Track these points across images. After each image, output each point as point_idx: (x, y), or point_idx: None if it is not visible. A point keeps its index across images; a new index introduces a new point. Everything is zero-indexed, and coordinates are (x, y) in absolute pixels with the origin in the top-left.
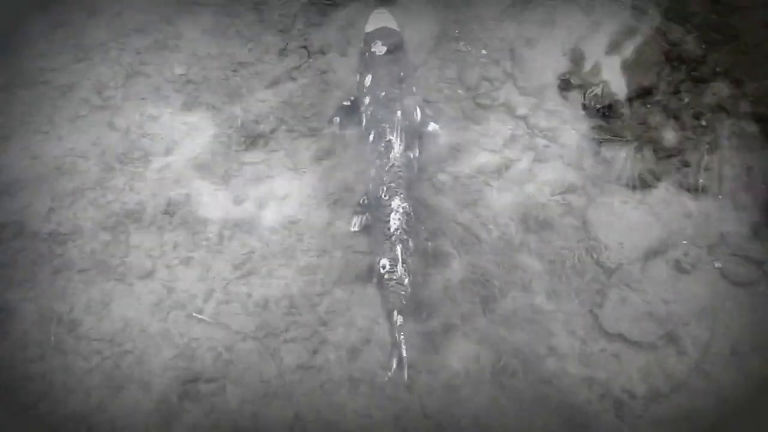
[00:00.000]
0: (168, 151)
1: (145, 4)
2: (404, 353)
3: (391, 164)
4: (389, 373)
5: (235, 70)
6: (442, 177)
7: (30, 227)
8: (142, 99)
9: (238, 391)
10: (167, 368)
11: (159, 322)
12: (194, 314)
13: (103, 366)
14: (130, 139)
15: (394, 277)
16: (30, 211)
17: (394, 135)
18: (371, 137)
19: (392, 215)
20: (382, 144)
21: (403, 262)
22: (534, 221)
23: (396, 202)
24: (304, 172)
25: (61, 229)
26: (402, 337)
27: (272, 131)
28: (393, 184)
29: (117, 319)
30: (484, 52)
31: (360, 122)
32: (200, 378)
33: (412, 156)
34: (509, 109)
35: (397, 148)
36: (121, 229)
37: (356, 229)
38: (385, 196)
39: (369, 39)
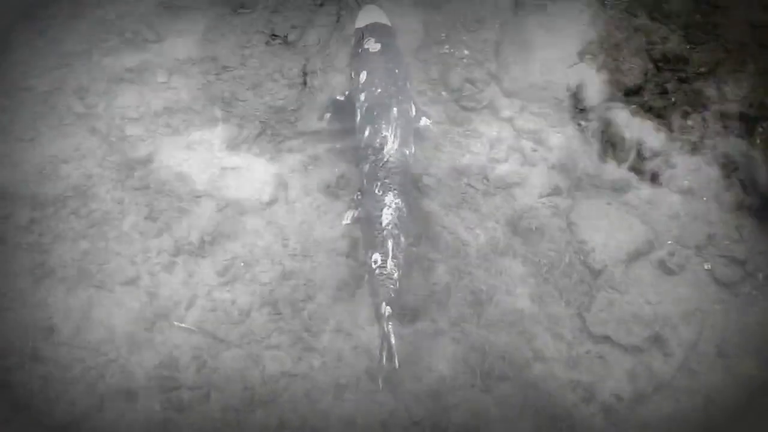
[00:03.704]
0: (150, 157)
1: (127, 9)
2: (393, 341)
3: (385, 160)
4: (382, 365)
5: (217, 74)
6: (428, 180)
7: (11, 236)
8: (125, 105)
9: (222, 398)
10: (151, 377)
11: (142, 330)
12: (177, 323)
13: (87, 376)
14: (111, 146)
15: (384, 272)
16: (11, 219)
17: (390, 131)
18: (366, 133)
19: (384, 210)
20: (378, 140)
21: (393, 257)
22: (521, 224)
23: (389, 198)
24: (289, 175)
25: (43, 238)
26: (390, 326)
27: (257, 135)
28: (387, 180)
29: (100, 328)
30: (466, 52)
31: (354, 119)
32: (184, 386)
33: (407, 152)
34: (494, 112)
35: (392, 143)
36: (103, 236)
37: (348, 222)
38: (378, 191)
39: (360, 35)
